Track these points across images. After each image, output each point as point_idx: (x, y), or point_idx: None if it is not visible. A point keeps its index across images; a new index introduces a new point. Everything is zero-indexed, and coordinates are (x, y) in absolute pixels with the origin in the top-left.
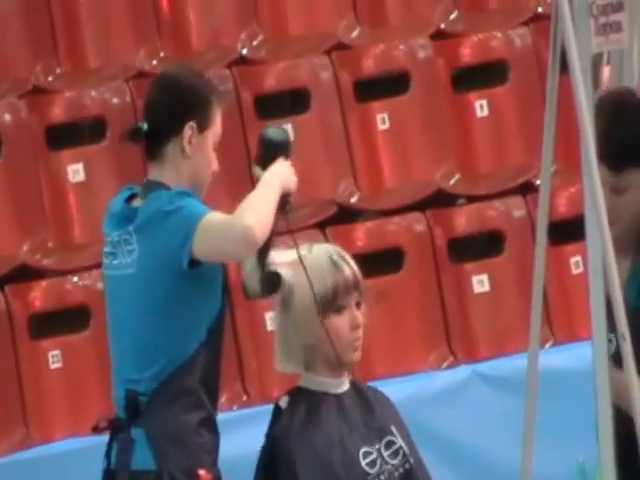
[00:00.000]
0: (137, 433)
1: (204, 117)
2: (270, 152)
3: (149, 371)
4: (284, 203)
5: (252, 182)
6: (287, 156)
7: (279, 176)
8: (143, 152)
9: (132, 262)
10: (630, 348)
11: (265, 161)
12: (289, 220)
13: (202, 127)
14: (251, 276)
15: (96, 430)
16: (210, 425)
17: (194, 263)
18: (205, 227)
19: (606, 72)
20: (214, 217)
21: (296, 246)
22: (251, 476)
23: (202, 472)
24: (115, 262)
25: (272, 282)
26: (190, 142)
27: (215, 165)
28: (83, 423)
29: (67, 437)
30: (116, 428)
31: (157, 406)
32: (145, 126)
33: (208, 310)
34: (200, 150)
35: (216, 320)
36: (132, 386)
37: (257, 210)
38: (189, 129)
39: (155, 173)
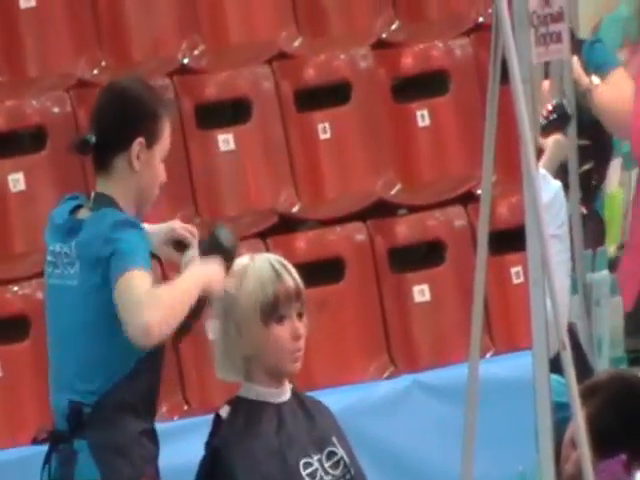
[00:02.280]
0: (80, 445)
1: (153, 132)
2: (216, 252)
3: (92, 384)
4: (197, 308)
5: (192, 192)
6: (229, 262)
7: (205, 276)
8: (91, 163)
9: (75, 274)
10: (570, 357)
11: (207, 256)
12: (190, 330)
13: (150, 142)
14: None
15: (36, 441)
16: (151, 436)
17: None
18: (123, 286)
19: (545, 85)
20: (134, 284)
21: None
22: None
23: None
24: (57, 271)
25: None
26: (138, 157)
27: (162, 177)
28: (21, 433)
29: (4, 447)
30: (56, 439)
31: (100, 418)
32: (93, 139)
33: None
34: (148, 165)
35: None
36: (75, 397)
37: (166, 305)
38: (137, 145)
39: (102, 185)
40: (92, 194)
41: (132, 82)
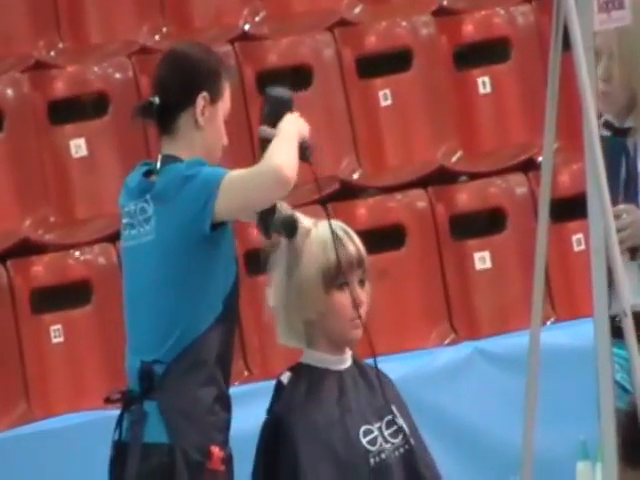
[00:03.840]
0: (150, 406)
1: (215, 89)
2: (277, 109)
3: (165, 343)
4: (303, 150)
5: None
6: (292, 112)
7: (293, 125)
8: (153, 129)
9: (151, 229)
10: (632, 324)
11: (273, 119)
12: (311, 163)
13: (214, 99)
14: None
15: (108, 401)
16: (223, 403)
17: (216, 226)
18: (229, 183)
19: None
20: (236, 172)
21: (326, 212)
22: (253, 452)
23: (215, 449)
24: (133, 232)
25: (291, 225)
26: (203, 113)
27: (225, 138)
28: (84, 398)
29: (68, 412)
30: (128, 400)
31: (172, 379)
32: (157, 100)
33: (224, 280)
34: (212, 122)
35: (231, 291)
36: (147, 357)
37: (282, 153)
38: (202, 100)
39: (168, 147)
40: (159, 157)
41: (193, 46)
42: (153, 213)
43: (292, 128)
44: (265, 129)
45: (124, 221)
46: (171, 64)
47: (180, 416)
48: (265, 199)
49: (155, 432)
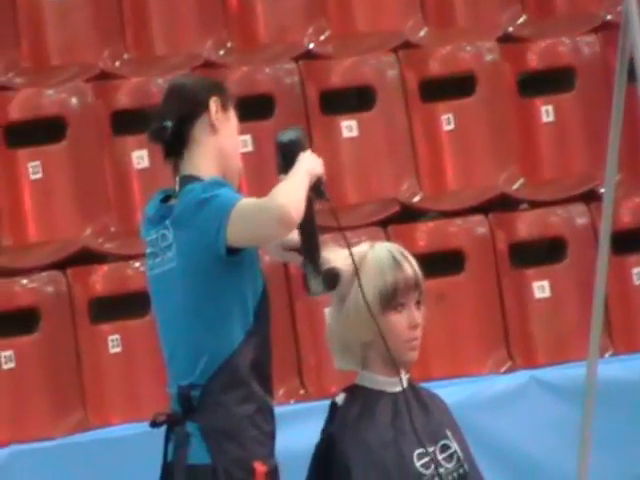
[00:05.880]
0: (192, 427)
1: (224, 97)
2: (289, 154)
3: (197, 366)
4: (317, 187)
5: None
6: (305, 150)
7: (303, 165)
8: (169, 155)
9: (173, 256)
10: None
11: (287, 165)
12: (328, 201)
13: (225, 106)
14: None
15: (154, 424)
16: (264, 415)
17: (232, 250)
18: (239, 212)
19: None
20: (247, 202)
21: (346, 241)
22: (305, 470)
23: (257, 465)
24: (157, 260)
25: (332, 279)
26: (217, 117)
27: (240, 147)
28: (140, 408)
29: (124, 422)
30: (172, 422)
31: (209, 400)
32: (169, 124)
33: (252, 292)
34: (227, 127)
35: (260, 301)
36: (184, 381)
37: (287, 193)
38: (214, 104)
39: (186, 164)
40: (177, 179)
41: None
42: (173, 239)
43: (302, 166)
44: (282, 179)
45: (148, 251)
46: (175, 89)
47: (221, 435)
48: (267, 237)
49: (198, 453)
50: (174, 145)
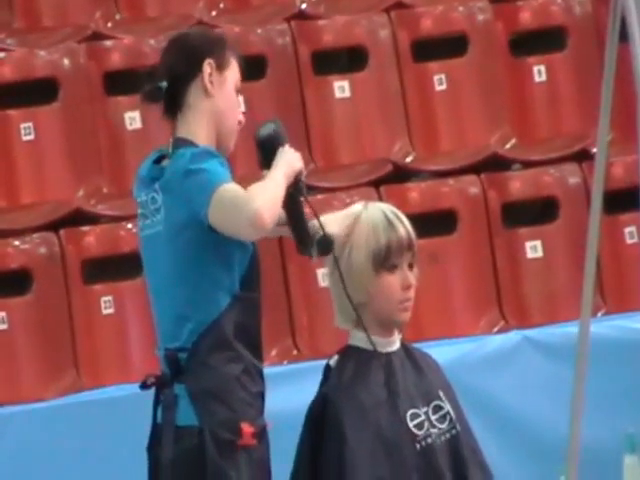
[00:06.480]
0: (180, 389)
1: (221, 57)
2: (268, 150)
3: (185, 329)
4: (296, 184)
5: (307, 138)
6: (283, 144)
7: (282, 162)
8: (165, 113)
9: (160, 219)
10: None
11: (268, 161)
12: (307, 197)
13: (220, 66)
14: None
15: (144, 386)
16: (252, 376)
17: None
18: (218, 200)
19: None
20: (229, 190)
21: (317, 217)
22: (299, 430)
23: (245, 425)
24: (147, 222)
25: (326, 245)
26: (211, 81)
27: (240, 107)
28: (133, 370)
29: (117, 383)
30: (161, 384)
31: (196, 362)
32: (165, 84)
33: (239, 258)
34: (222, 89)
35: (248, 268)
36: (171, 344)
37: (264, 195)
38: (208, 66)
39: (180, 128)
40: (170, 141)
41: (194, 30)
42: (162, 203)
43: (281, 164)
44: (265, 174)
45: (139, 212)
46: (173, 45)
47: (207, 397)
48: (238, 235)
49: (186, 415)
50: (169, 106)
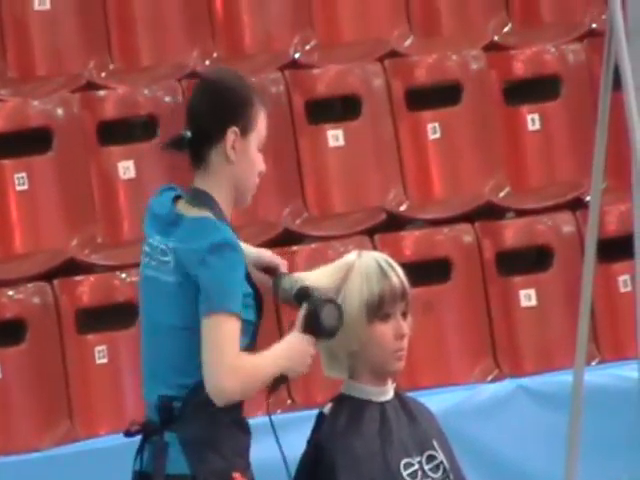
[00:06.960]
0: (170, 437)
1: (246, 120)
2: (316, 327)
3: (185, 378)
4: (278, 380)
5: (301, 186)
6: (328, 338)
7: (296, 357)
8: (189, 160)
9: (170, 271)
10: None
11: (306, 323)
12: (273, 393)
13: (245, 131)
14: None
15: (128, 434)
16: (242, 426)
17: None
18: (214, 325)
19: None
20: (226, 330)
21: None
22: None
23: (237, 476)
24: (153, 263)
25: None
26: (234, 147)
27: (261, 166)
28: (127, 419)
29: (111, 432)
30: (148, 431)
31: (190, 411)
32: (189, 134)
33: (245, 327)
34: (244, 155)
35: (251, 338)
36: (167, 391)
37: (248, 380)
38: (232, 134)
39: (199, 180)
40: (191, 189)
41: (223, 72)
42: (172, 261)
43: (289, 358)
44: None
45: (145, 249)
46: (201, 95)
47: (200, 445)
48: (206, 386)
49: (177, 463)
50: (191, 155)
